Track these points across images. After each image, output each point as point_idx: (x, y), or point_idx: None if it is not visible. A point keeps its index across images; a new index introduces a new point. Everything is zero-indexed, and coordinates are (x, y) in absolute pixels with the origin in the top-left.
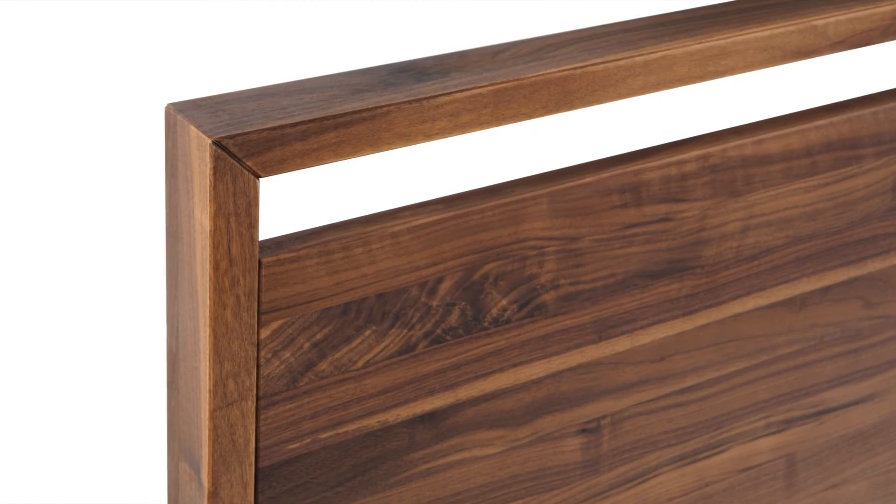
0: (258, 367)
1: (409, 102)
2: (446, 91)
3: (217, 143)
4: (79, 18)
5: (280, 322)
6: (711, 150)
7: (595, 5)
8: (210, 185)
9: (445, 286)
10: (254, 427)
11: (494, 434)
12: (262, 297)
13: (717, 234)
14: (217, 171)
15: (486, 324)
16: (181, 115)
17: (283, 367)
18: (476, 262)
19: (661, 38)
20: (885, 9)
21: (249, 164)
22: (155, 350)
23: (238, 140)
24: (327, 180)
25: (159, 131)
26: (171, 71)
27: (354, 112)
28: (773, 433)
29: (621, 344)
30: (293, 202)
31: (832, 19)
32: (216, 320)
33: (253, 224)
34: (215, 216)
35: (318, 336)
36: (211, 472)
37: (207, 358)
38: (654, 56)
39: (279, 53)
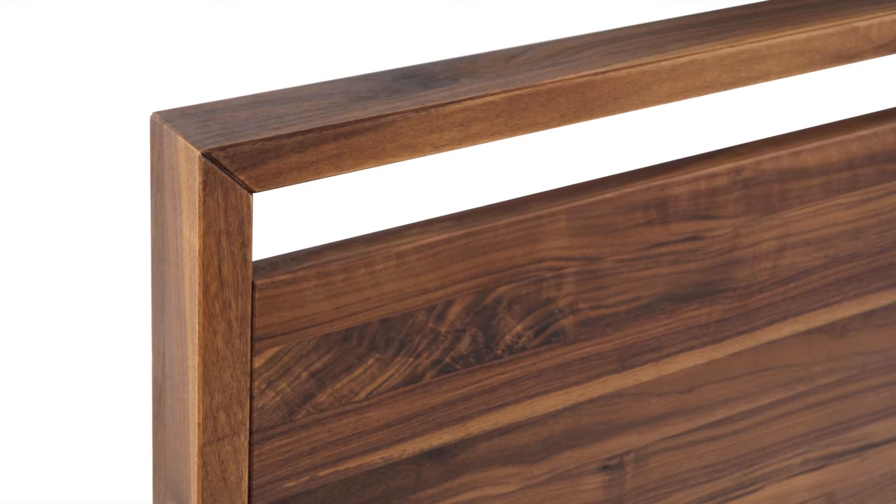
0: (251, 398)
1: (416, 111)
2: (456, 98)
3: (207, 156)
4: (57, 21)
5: (275, 350)
6: (744, 162)
7: (618, 6)
8: (199, 201)
9: (455, 311)
10: (247, 464)
11: (508, 471)
12: (256, 322)
13: (751, 254)
14: (207, 186)
15: (499, 351)
16: (168, 124)
17: (278, 398)
18: (488, 284)
19: (690, 41)
20: None
21: (242, 177)
22: (139, 380)
23: (230, 152)
24: (326, 196)
25: (144, 142)
26: (156, 77)
27: (356, 121)
28: (812, 470)
29: (646, 373)
30: (289, 219)
31: (876, 20)
32: (206, 348)
33: (246, 243)
34: (205, 234)
35: (317, 365)
36: None
37: (196, 388)
38: (681, 60)
39: (274, 58)
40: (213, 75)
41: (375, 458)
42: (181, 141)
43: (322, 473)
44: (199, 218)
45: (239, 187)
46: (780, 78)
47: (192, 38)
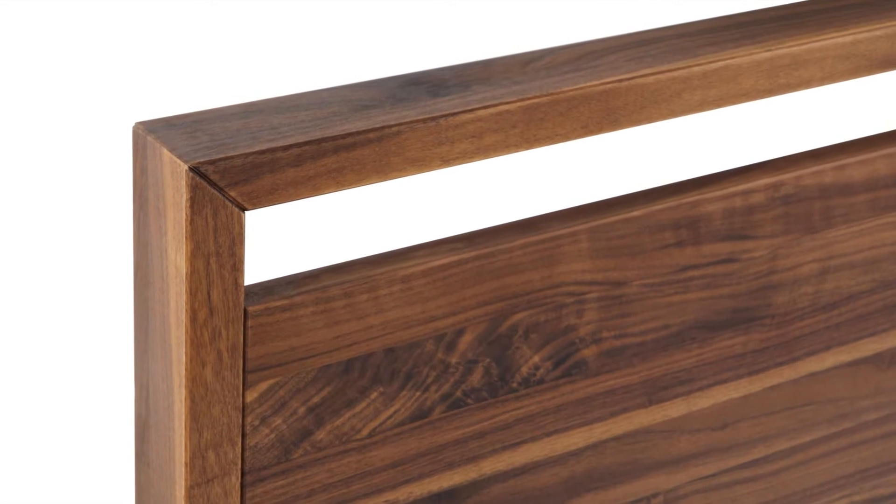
0: (243, 436)
1: (424, 121)
2: (467, 107)
3: (195, 170)
4: (31, 23)
5: (270, 383)
6: (783, 177)
7: (645, 6)
8: (186, 220)
9: (466, 340)
10: None
11: None
12: (248, 352)
13: (790, 277)
14: (195, 203)
15: (514, 384)
16: (152, 136)
17: (273, 436)
18: (503, 311)
19: (724, 45)
20: None
21: (233, 194)
22: (120, 416)
23: (220, 166)
24: (326, 214)
25: (126, 155)
26: (139, 83)
27: (358, 132)
28: None
29: (676, 408)
30: (285, 240)
31: None
32: (193, 381)
33: (237, 266)
34: (192, 257)
35: (315, 399)
36: None
37: (183, 425)
38: (714, 66)
39: (269, 63)
40: (202, 82)
41: (379, 501)
42: (166, 154)
43: None
44: (186, 238)
45: (230, 205)
46: (822, 85)
47: (179, 41)
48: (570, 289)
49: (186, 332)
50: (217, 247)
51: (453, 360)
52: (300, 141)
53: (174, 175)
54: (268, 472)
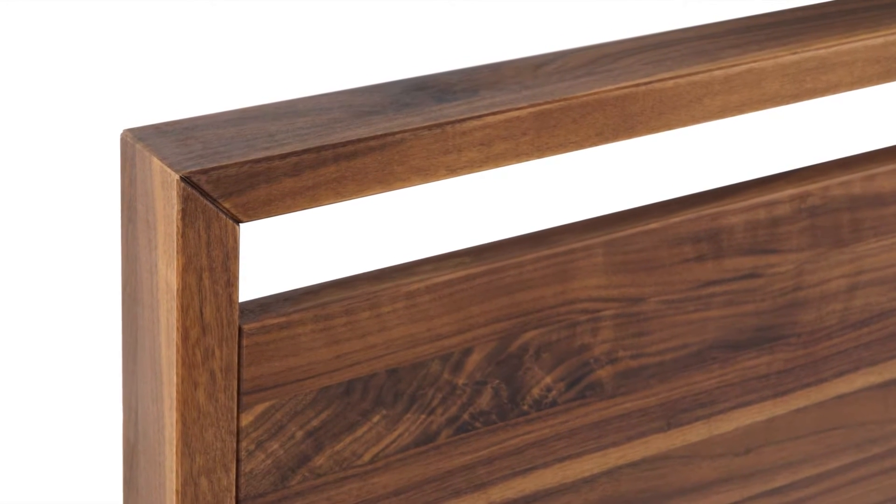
0: (238, 461)
1: (429, 128)
2: (475, 114)
3: (186, 180)
4: (17, 26)
5: (266, 405)
6: (810, 188)
7: (664, 5)
8: (177, 233)
9: (474, 360)
10: None
11: None
12: (243, 373)
13: (817, 294)
14: (186, 215)
15: (525, 407)
16: (141, 143)
17: (269, 461)
18: (513, 329)
19: (747, 47)
20: None
21: (227, 205)
22: (108, 440)
23: (213, 175)
24: (325, 226)
25: (113, 164)
26: (128, 88)
27: (360, 140)
28: None
29: (696, 433)
30: (282, 254)
31: None
32: (185, 403)
33: (231, 281)
34: (184, 272)
35: (314, 423)
36: None
37: (174, 450)
38: (737, 69)
39: (265, 66)
40: (194, 86)
41: None
42: (156, 163)
43: None
44: (177, 252)
45: (223, 217)
46: (851, 90)
47: (170, 43)
48: (584, 306)
49: (177, 351)
50: (210, 261)
51: (460, 382)
52: (298, 149)
53: (164, 185)
54: (264, 501)
